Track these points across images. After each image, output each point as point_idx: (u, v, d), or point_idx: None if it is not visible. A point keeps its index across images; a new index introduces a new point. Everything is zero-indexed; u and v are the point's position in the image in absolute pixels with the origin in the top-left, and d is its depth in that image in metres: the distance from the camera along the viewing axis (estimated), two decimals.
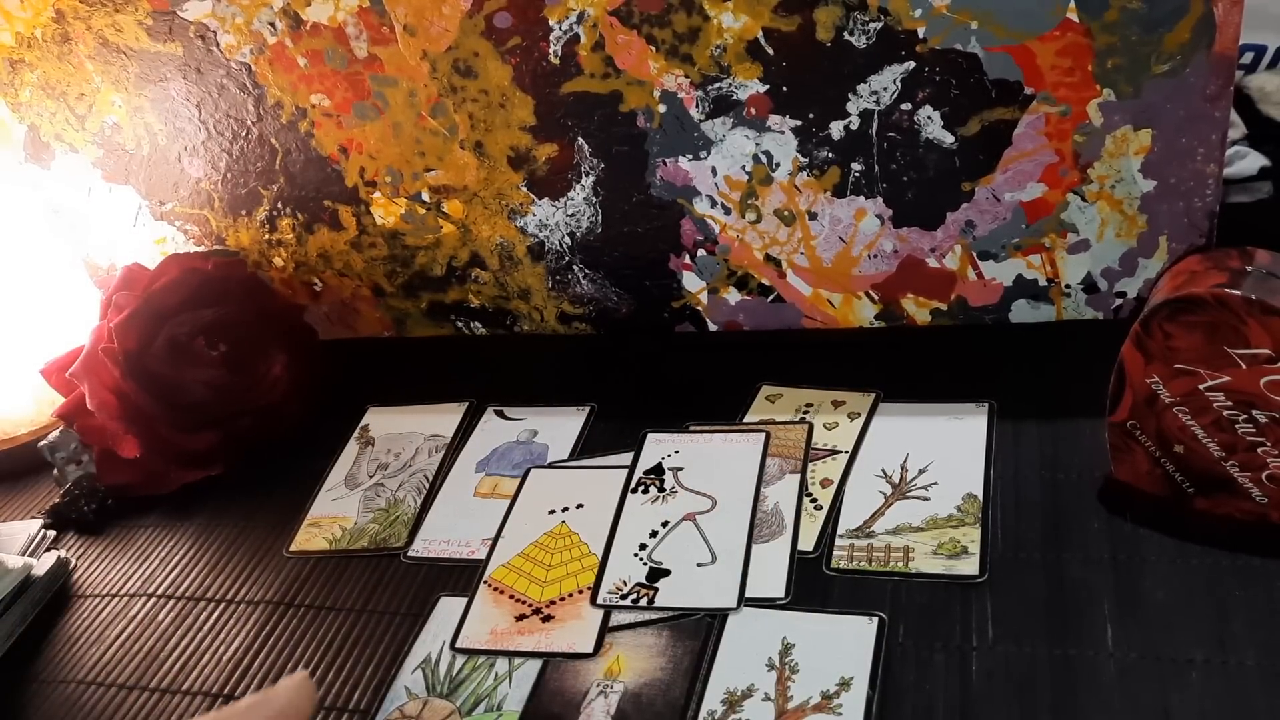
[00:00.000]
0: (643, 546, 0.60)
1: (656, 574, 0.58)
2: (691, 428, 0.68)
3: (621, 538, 0.61)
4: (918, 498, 0.58)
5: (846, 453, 0.63)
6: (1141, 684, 0.46)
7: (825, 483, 0.61)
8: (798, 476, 0.62)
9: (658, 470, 0.65)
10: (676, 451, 0.66)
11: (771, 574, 0.56)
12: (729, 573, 0.57)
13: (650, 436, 0.68)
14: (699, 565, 0.58)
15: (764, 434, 0.65)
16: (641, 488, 0.64)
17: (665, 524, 0.61)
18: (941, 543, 0.55)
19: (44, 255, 0.85)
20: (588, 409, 0.73)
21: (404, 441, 0.74)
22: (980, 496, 0.57)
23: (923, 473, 0.60)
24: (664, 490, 0.64)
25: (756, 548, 0.58)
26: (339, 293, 0.84)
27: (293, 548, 0.68)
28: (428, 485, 0.70)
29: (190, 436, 0.75)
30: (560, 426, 0.72)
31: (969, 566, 0.54)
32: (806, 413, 0.67)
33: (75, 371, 0.73)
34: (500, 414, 0.75)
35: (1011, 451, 0.60)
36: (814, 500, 0.60)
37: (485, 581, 0.61)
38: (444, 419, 0.75)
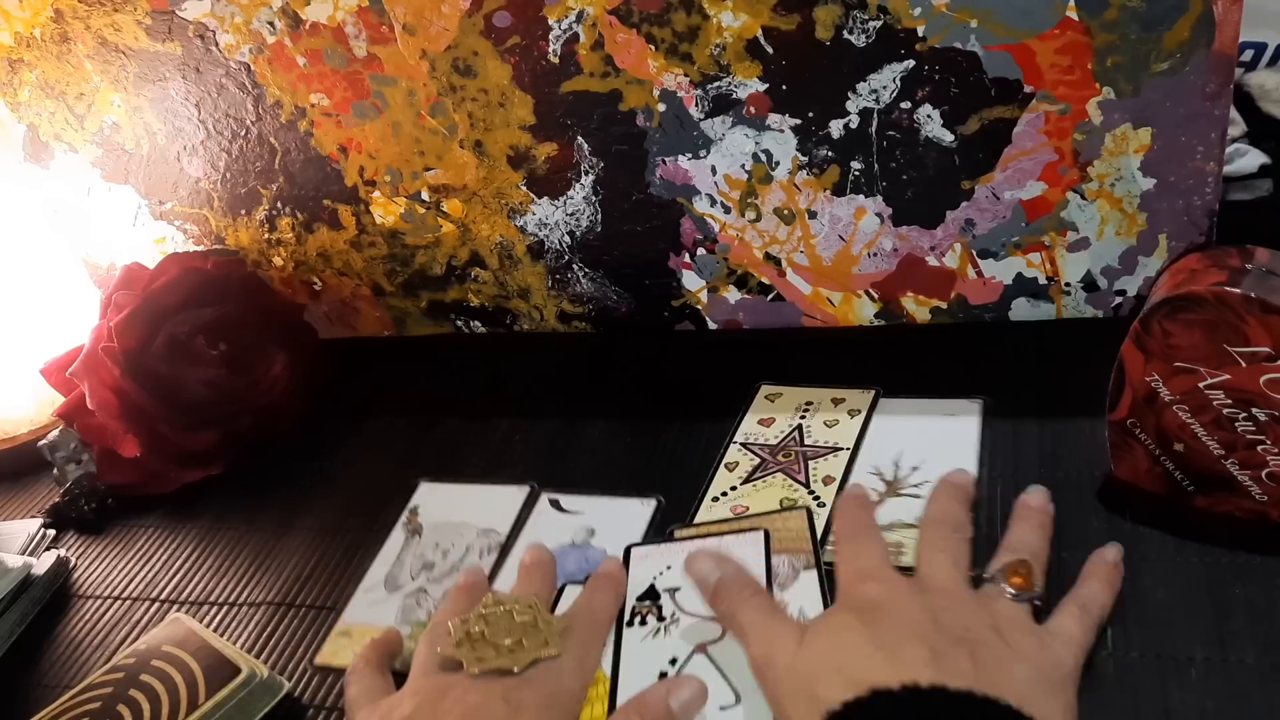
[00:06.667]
0: None
1: None
2: (677, 535, 0.59)
3: (626, 685, 0.51)
4: (910, 495, 0.58)
5: (847, 450, 0.63)
6: (1141, 682, 0.46)
7: (828, 480, 0.61)
8: (814, 572, 0.54)
9: (652, 594, 0.56)
10: (668, 567, 0.57)
11: None
12: (757, 714, 0.48)
13: (635, 552, 0.58)
14: (722, 708, 0.48)
15: (762, 532, 0.57)
16: (638, 619, 0.54)
17: (674, 661, 0.51)
18: None
19: (44, 255, 0.85)
20: (654, 501, 0.63)
21: (454, 534, 0.65)
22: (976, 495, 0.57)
23: (916, 469, 0.60)
24: (663, 619, 0.54)
25: None
26: (339, 292, 0.84)
27: (319, 660, 0.59)
28: None
29: (190, 436, 0.75)
30: (620, 519, 0.62)
31: None
32: (806, 411, 0.67)
33: (75, 371, 0.73)
34: (556, 505, 0.65)
35: (1011, 449, 0.60)
36: (817, 498, 0.60)
37: None
38: (500, 504, 0.66)
